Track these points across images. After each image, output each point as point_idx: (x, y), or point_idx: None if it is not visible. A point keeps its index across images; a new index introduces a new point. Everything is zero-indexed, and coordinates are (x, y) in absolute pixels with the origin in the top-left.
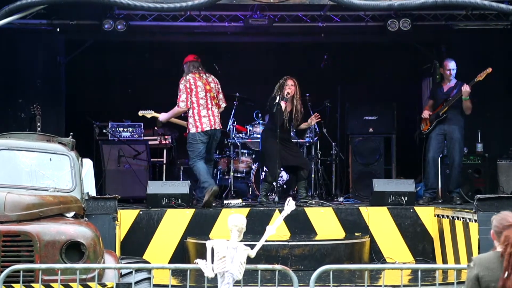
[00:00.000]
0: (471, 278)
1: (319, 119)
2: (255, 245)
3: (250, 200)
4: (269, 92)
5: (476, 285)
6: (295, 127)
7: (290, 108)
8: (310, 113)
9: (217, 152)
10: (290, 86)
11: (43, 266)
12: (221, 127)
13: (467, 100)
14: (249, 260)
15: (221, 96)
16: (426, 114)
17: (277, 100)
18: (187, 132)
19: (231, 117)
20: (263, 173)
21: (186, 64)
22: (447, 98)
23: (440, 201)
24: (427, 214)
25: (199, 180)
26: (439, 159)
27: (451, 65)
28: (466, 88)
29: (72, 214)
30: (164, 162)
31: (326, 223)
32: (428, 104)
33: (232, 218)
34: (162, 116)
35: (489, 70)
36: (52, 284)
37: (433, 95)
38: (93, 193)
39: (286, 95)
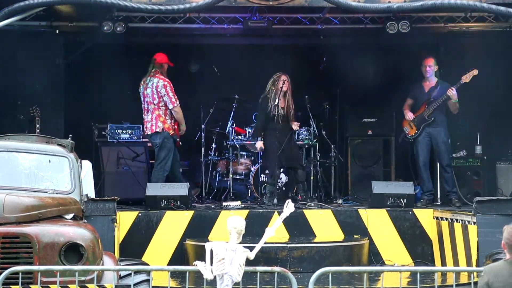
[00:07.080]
0: (481, 285)
1: (298, 127)
2: (254, 247)
3: (249, 202)
4: None
5: None
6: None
7: (284, 104)
8: (309, 115)
9: (216, 154)
10: (284, 82)
11: (42, 268)
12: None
13: (457, 102)
14: (248, 262)
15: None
16: (410, 116)
17: (276, 102)
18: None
19: (230, 119)
20: (265, 176)
21: (162, 65)
22: (429, 99)
23: (439, 203)
24: (426, 217)
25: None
26: (432, 161)
27: (429, 61)
28: (453, 92)
29: (71, 216)
30: None
31: (325, 225)
32: (407, 103)
33: (231, 220)
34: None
35: (475, 72)
36: (51, 286)
37: (413, 95)
38: (92, 195)
39: (281, 89)
